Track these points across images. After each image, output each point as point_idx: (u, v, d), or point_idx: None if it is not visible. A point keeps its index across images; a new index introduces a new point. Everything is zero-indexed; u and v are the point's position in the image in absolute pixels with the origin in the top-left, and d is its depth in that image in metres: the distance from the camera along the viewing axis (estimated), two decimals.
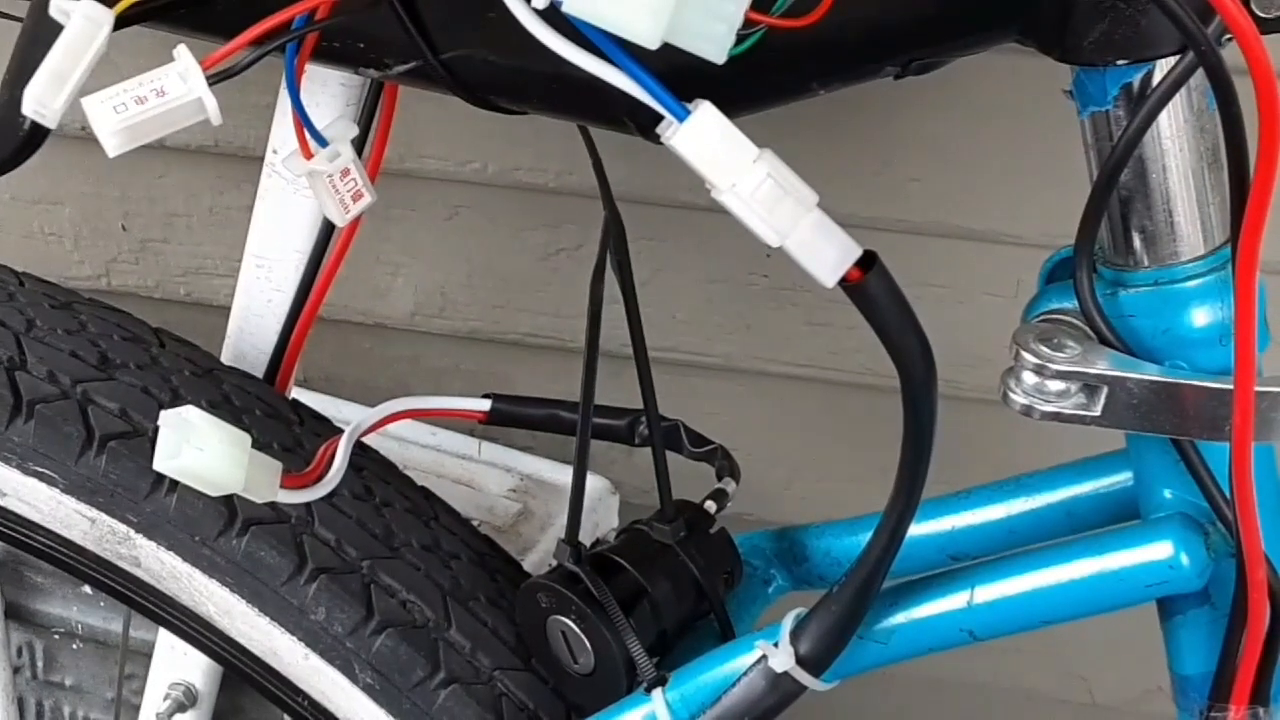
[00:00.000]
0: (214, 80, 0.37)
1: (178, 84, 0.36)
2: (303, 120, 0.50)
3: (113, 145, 0.35)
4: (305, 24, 0.41)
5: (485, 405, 0.71)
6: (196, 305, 1.14)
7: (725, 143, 0.39)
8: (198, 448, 0.50)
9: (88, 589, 1.04)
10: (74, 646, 1.08)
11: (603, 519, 1.05)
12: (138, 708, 0.98)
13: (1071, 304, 0.54)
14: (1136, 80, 0.49)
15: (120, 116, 0.35)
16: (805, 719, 0.63)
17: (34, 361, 0.72)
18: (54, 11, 0.37)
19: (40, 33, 0.56)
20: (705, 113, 0.39)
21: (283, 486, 0.55)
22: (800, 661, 0.58)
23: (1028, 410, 0.53)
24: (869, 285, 0.42)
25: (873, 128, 0.96)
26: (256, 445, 0.54)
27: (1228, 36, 0.45)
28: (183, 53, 0.37)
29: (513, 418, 0.72)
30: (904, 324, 0.44)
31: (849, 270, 0.41)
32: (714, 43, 0.38)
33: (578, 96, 0.51)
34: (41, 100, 0.36)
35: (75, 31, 0.36)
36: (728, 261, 1.03)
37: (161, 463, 0.50)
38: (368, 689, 0.70)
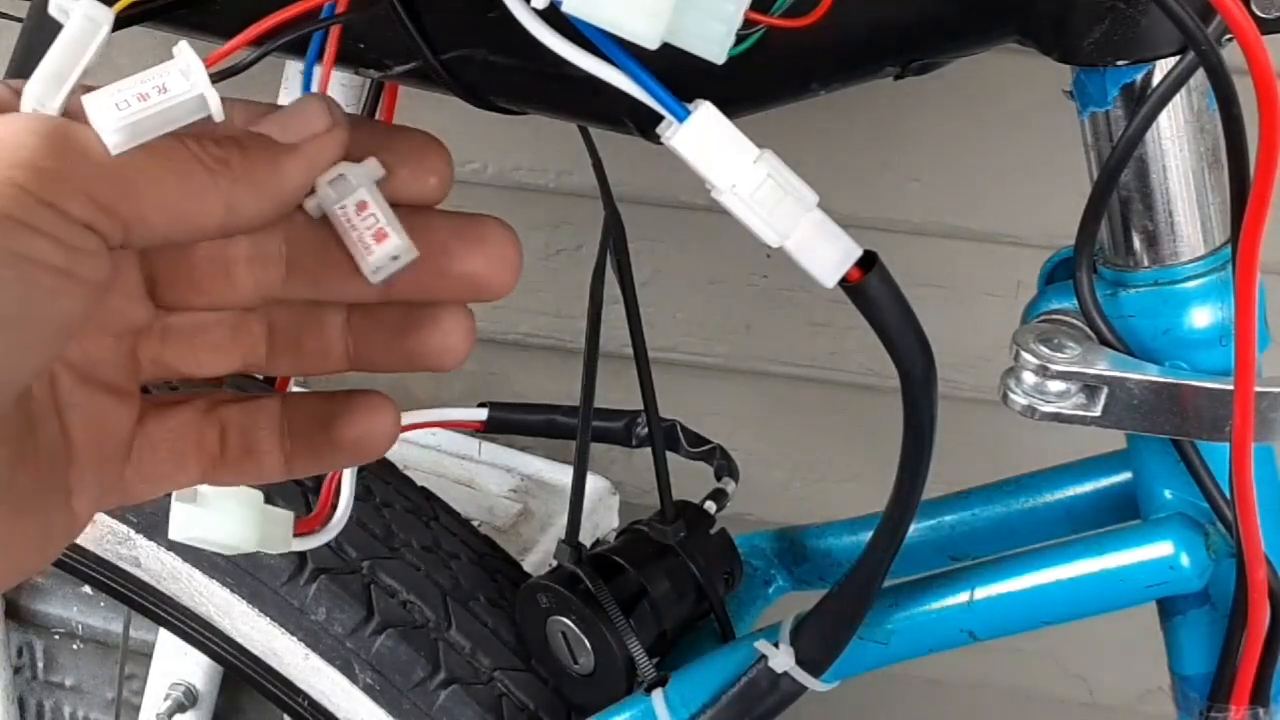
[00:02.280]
0: (217, 77, 0.37)
1: (180, 80, 0.36)
2: None
3: (114, 143, 0.35)
4: (332, 14, 0.41)
5: (482, 415, 0.71)
6: None
7: (725, 143, 0.39)
8: (211, 516, 0.50)
9: (88, 589, 1.04)
10: (74, 647, 1.08)
11: (603, 519, 1.05)
12: (138, 708, 0.98)
13: (1071, 304, 0.54)
14: (1136, 80, 0.49)
15: (122, 113, 0.35)
16: (805, 719, 0.63)
17: None
18: (53, 10, 0.36)
19: (40, 32, 0.56)
20: (705, 113, 0.39)
21: (296, 534, 0.55)
22: (800, 662, 0.58)
23: (1028, 411, 0.52)
24: (869, 285, 0.42)
25: (873, 128, 0.96)
26: None
27: (1228, 37, 0.45)
28: (184, 49, 0.37)
29: (509, 425, 0.72)
30: (904, 324, 0.44)
31: (849, 270, 0.41)
32: (713, 42, 0.37)
33: (578, 97, 0.51)
34: (41, 100, 0.36)
35: (74, 30, 0.36)
36: (728, 261, 1.03)
37: (176, 534, 0.50)
38: (368, 689, 0.70)
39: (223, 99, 0.38)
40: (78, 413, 0.39)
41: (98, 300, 0.35)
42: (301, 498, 0.70)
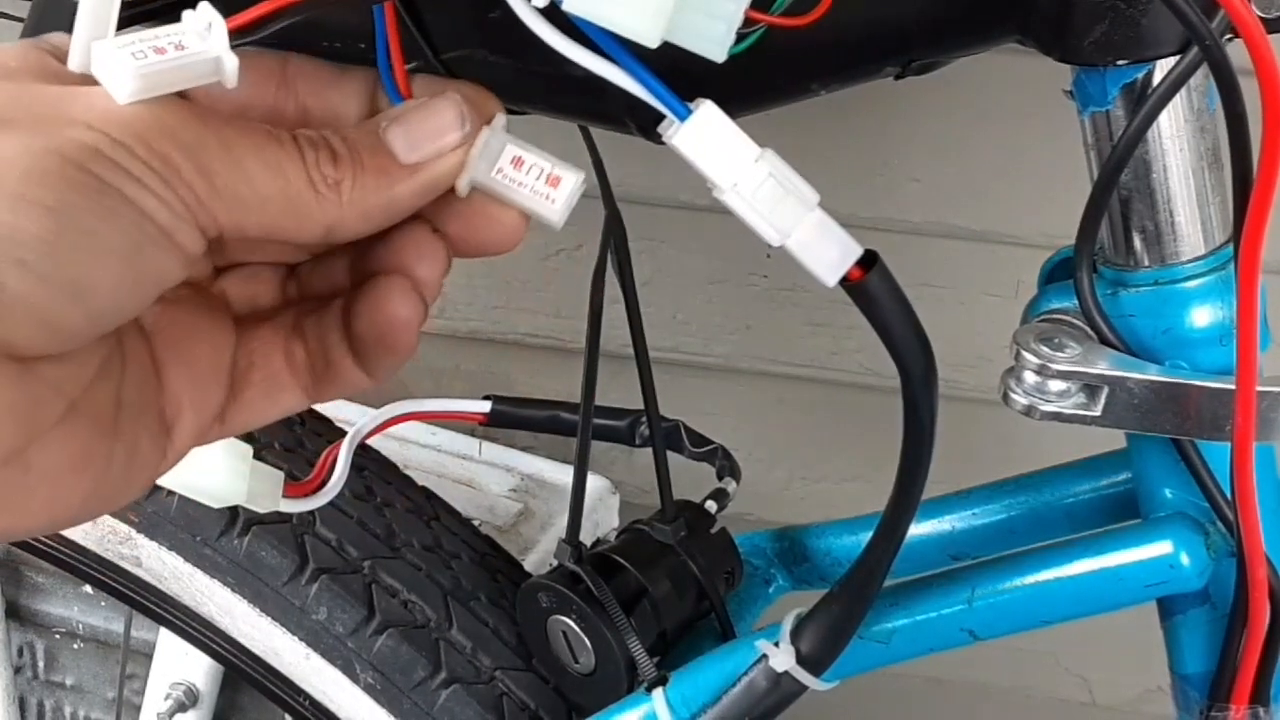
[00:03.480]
0: (236, 42, 0.36)
1: (197, 40, 0.36)
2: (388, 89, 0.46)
3: (126, 91, 0.35)
4: None
5: (485, 407, 0.71)
6: None
7: (727, 142, 0.39)
8: (199, 461, 0.50)
9: (89, 589, 1.04)
10: (75, 646, 1.08)
11: (603, 519, 1.05)
12: (139, 708, 0.98)
13: (1072, 304, 0.54)
14: (1137, 80, 0.49)
15: (139, 63, 0.35)
16: (805, 719, 0.63)
17: None
18: None
19: (46, 20, 0.56)
20: (707, 112, 0.39)
21: (285, 496, 0.55)
22: (800, 661, 0.58)
23: (1028, 410, 0.53)
24: (870, 284, 0.42)
25: (873, 128, 0.96)
26: (257, 445, 0.54)
27: (1228, 36, 0.45)
28: (205, 8, 0.36)
29: (513, 419, 0.72)
30: (905, 323, 0.44)
31: (850, 269, 0.41)
32: (714, 42, 0.38)
33: (578, 96, 0.51)
34: (84, 67, 0.36)
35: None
36: (728, 261, 1.04)
37: (164, 480, 0.50)
38: (369, 689, 0.70)
39: (358, 69, 0.37)
40: (161, 336, 0.39)
41: (189, 270, 0.36)
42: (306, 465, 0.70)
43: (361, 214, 0.38)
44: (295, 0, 0.38)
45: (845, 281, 0.41)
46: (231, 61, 0.36)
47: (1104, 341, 0.53)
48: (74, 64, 0.36)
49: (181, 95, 0.36)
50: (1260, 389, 0.49)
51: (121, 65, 0.35)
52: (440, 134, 0.39)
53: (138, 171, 0.34)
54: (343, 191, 0.37)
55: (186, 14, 0.36)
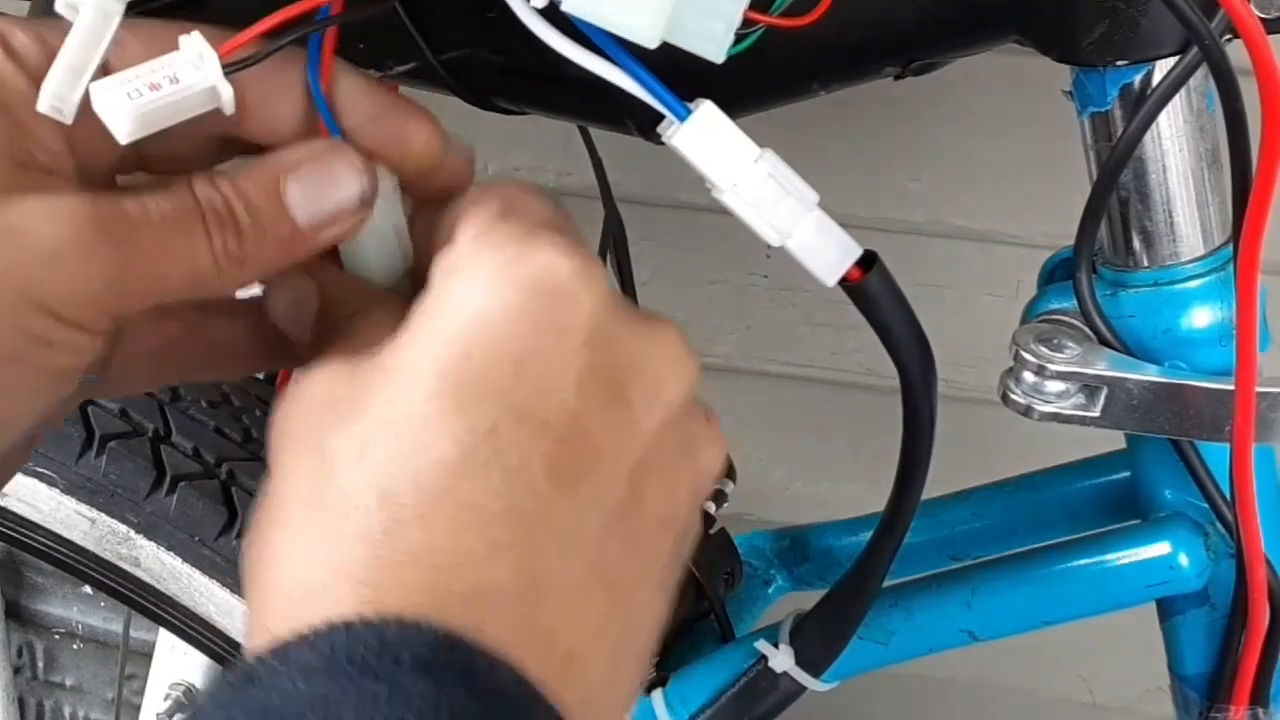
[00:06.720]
0: (229, 70, 0.36)
1: (191, 71, 0.36)
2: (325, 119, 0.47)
3: (124, 131, 0.35)
4: (328, 15, 0.40)
5: None
6: None
7: (726, 142, 0.39)
8: None
9: (88, 589, 1.04)
10: (74, 647, 1.08)
11: None
12: (138, 708, 0.98)
13: (1071, 304, 0.54)
14: (1136, 81, 0.49)
15: (134, 102, 0.35)
16: (805, 719, 0.63)
17: None
18: (60, 8, 0.36)
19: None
20: (706, 112, 0.39)
21: None
22: (800, 662, 0.59)
23: (1027, 410, 0.53)
24: (869, 285, 0.42)
25: (873, 128, 0.96)
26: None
27: (1228, 37, 0.45)
28: (195, 38, 0.36)
29: None
30: (904, 323, 0.44)
31: (849, 270, 0.41)
32: (713, 42, 0.38)
33: (578, 97, 0.51)
34: (60, 95, 0.35)
35: (87, 22, 0.36)
36: (728, 261, 1.03)
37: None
38: None
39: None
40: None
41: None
42: None
43: (260, 275, 0.39)
44: (274, 25, 0.38)
45: (845, 282, 0.41)
46: (227, 90, 0.36)
47: (1103, 342, 0.53)
48: (43, 105, 0.36)
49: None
50: (1260, 389, 0.49)
51: (118, 106, 0.35)
52: (341, 196, 0.39)
53: (68, 340, 0.35)
54: (245, 265, 0.37)
55: (182, 39, 0.36)
